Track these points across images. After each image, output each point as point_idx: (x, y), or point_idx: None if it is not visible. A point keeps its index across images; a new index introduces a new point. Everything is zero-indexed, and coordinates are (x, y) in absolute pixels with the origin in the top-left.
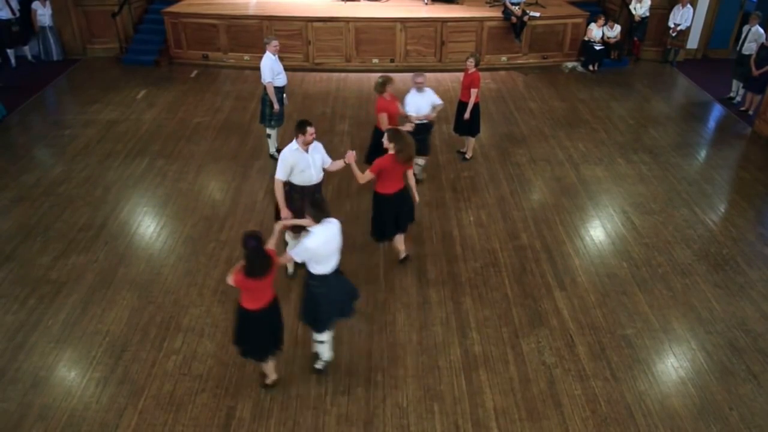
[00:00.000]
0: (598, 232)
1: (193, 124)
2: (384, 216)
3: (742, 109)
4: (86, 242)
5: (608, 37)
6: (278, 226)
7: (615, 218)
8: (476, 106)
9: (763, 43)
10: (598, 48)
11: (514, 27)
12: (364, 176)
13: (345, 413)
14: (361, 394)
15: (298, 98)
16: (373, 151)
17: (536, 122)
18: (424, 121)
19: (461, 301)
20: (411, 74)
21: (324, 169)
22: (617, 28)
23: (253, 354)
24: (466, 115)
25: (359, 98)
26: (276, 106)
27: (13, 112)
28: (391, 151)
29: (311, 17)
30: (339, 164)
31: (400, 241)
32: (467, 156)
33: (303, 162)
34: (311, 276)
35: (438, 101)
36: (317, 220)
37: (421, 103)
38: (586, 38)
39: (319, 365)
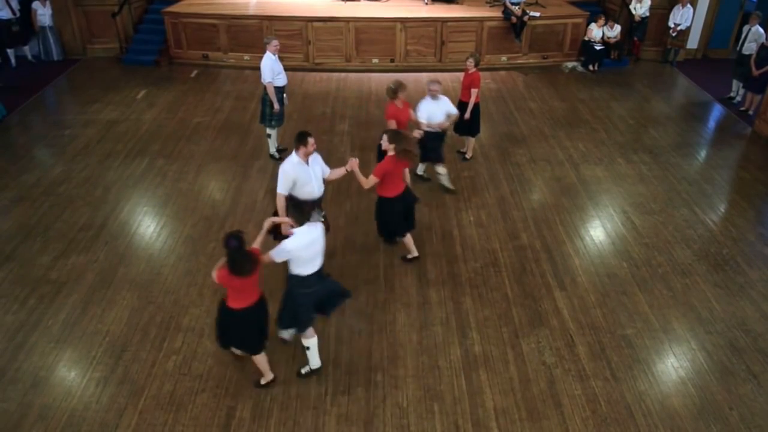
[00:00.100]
0: (598, 232)
1: (193, 124)
2: (395, 218)
3: (742, 109)
4: (86, 242)
5: (608, 37)
6: (267, 224)
7: (615, 218)
8: (476, 106)
9: (763, 43)
10: (598, 48)
11: (514, 27)
12: (369, 181)
13: (345, 413)
14: (361, 394)
15: (298, 98)
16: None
17: (536, 122)
18: (437, 130)
19: (461, 301)
20: (412, 74)
21: (324, 179)
22: (617, 28)
23: (239, 347)
24: (467, 115)
25: (359, 98)
26: (276, 106)
27: (13, 112)
28: (391, 153)
29: (311, 17)
30: (340, 172)
31: (410, 240)
32: (467, 156)
33: (305, 175)
34: (291, 276)
35: (453, 110)
36: (299, 222)
37: (434, 110)
38: (586, 38)
39: (304, 370)
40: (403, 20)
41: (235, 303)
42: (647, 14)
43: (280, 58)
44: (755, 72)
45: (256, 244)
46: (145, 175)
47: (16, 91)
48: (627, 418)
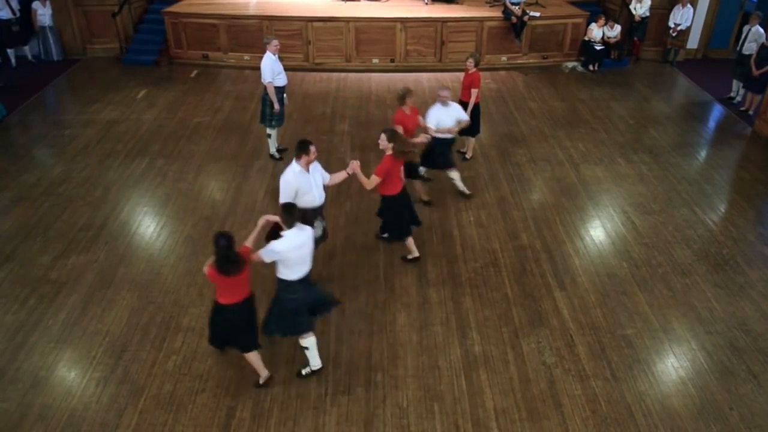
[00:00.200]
0: (598, 232)
1: (193, 124)
2: (403, 215)
3: (742, 109)
4: (86, 242)
5: (608, 37)
6: (262, 221)
7: (615, 218)
8: (476, 106)
9: (763, 43)
10: (598, 48)
11: (514, 27)
12: (371, 181)
13: (345, 413)
14: (361, 394)
15: (298, 98)
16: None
17: (536, 122)
18: (446, 136)
19: (461, 301)
20: (412, 74)
21: (325, 186)
22: (617, 28)
23: (228, 345)
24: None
25: (359, 98)
26: (276, 106)
27: (13, 112)
28: (389, 152)
29: (311, 17)
30: (341, 176)
31: (411, 240)
32: (467, 156)
33: (306, 184)
34: (280, 281)
35: (464, 116)
36: (288, 224)
37: (444, 117)
38: (586, 38)
39: (305, 371)
40: (403, 20)
41: (224, 299)
42: (647, 14)
43: (280, 58)
44: (755, 72)
45: (249, 242)
46: (145, 175)
47: (16, 91)
48: (627, 418)
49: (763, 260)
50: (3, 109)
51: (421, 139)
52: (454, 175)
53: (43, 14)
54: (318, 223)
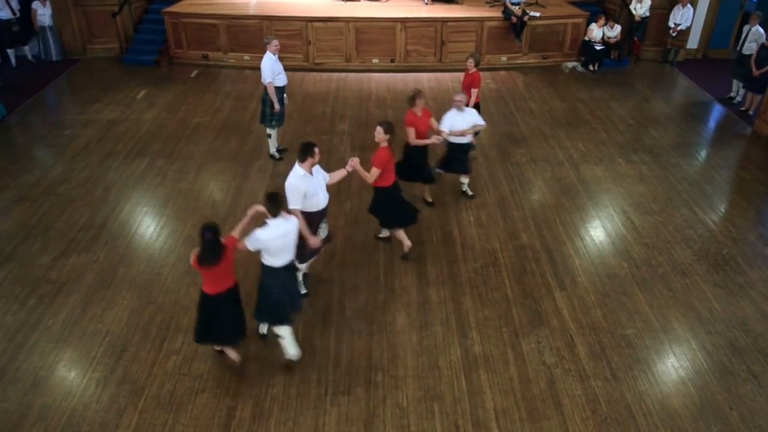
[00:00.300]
0: (598, 232)
1: (193, 124)
2: (400, 205)
3: (742, 109)
4: (86, 242)
5: (608, 37)
6: (251, 211)
7: (615, 218)
8: (476, 106)
9: (763, 43)
10: (598, 48)
11: (514, 27)
12: (372, 174)
13: (345, 413)
14: (361, 394)
15: (298, 98)
16: (406, 168)
17: (536, 122)
18: (463, 140)
19: (461, 301)
20: (412, 75)
21: (326, 185)
22: (617, 28)
23: (212, 339)
24: None
25: (359, 98)
26: (277, 106)
27: (14, 112)
28: (384, 144)
29: (311, 17)
30: (341, 174)
31: (404, 235)
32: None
33: (312, 187)
34: (263, 267)
35: (479, 121)
36: (272, 213)
37: (458, 122)
38: (586, 38)
39: (284, 359)
40: (403, 20)
41: (208, 288)
42: (647, 14)
43: (280, 58)
44: (755, 72)
45: (235, 232)
46: (145, 175)
47: (16, 91)
48: (627, 418)
49: (763, 260)
50: (3, 109)
51: (433, 140)
52: (465, 179)
53: (43, 14)
54: (323, 226)
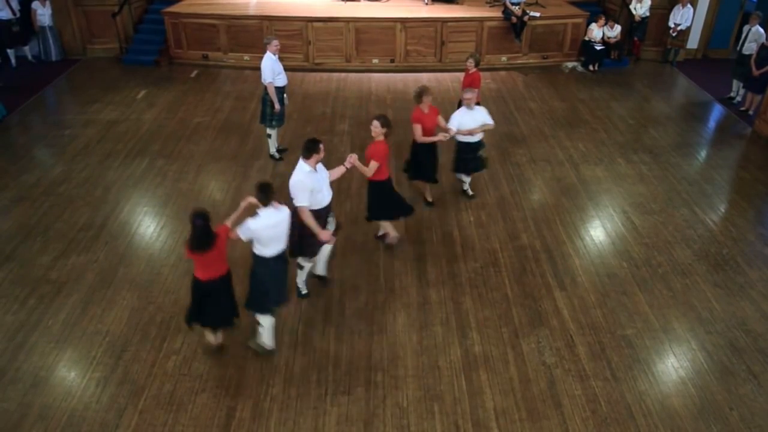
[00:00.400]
0: (598, 232)
1: (194, 124)
2: (391, 198)
3: (742, 109)
4: (86, 242)
5: (608, 37)
6: (244, 203)
7: (615, 218)
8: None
9: (763, 43)
10: (598, 48)
11: (514, 27)
12: (371, 168)
13: (345, 413)
14: (361, 394)
15: (298, 98)
16: (414, 167)
17: (536, 122)
18: (471, 139)
19: (461, 301)
20: (412, 75)
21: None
22: (617, 28)
23: (201, 321)
24: None
25: (359, 98)
26: (277, 106)
27: (14, 112)
28: (381, 138)
29: (311, 17)
30: (340, 171)
31: (390, 226)
32: None
33: (318, 183)
34: (254, 256)
35: (489, 120)
36: (263, 203)
37: (467, 120)
38: (586, 38)
39: (252, 343)
40: (403, 20)
41: (200, 274)
42: (647, 14)
43: (281, 58)
44: (755, 72)
45: (228, 222)
46: (145, 175)
47: (16, 91)
48: (627, 418)
49: (763, 260)
50: (3, 109)
51: (440, 138)
52: (466, 178)
53: (43, 14)
54: (331, 219)
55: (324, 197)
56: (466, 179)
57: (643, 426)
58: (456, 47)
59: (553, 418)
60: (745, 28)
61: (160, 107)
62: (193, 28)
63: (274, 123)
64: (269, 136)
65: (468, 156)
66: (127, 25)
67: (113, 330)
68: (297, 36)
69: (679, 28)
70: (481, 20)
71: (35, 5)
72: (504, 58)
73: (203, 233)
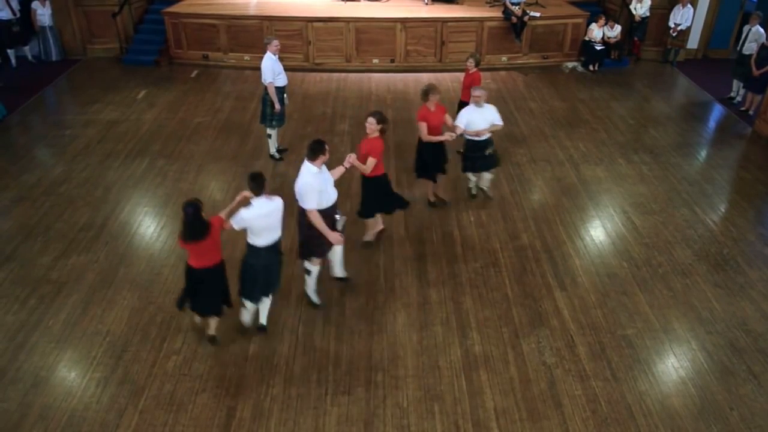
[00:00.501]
0: (598, 232)
1: (194, 124)
2: (385, 194)
3: (743, 109)
4: (87, 242)
5: (608, 37)
6: (239, 197)
7: (615, 218)
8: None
9: (763, 43)
10: (598, 48)
11: (514, 27)
12: (369, 164)
13: (345, 413)
14: (361, 394)
15: (298, 98)
16: (420, 166)
17: (536, 122)
18: (477, 138)
19: (461, 301)
20: (412, 75)
21: None
22: (617, 28)
23: (191, 305)
24: None
25: (359, 98)
26: (277, 107)
27: (14, 112)
28: (376, 134)
29: (311, 17)
30: (340, 171)
31: (379, 222)
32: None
33: (324, 183)
34: (247, 245)
35: (498, 120)
36: (255, 193)
37: (475, 119)
38: (586, 38)
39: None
40: (403, 20)
41: (193, 261)
42: (647, 14)
43: (281, 59)
44: (755, 72)
45: (222, 213)
46: (145, 175)
47: (16, 91)
48: (627, 418)
49: (763, 260)
50: (3, 109)
51: (446, 137)
52: (473, 177)
53: (43, 14)
54: (339, 218)
55: (330, 196)
56: (473, 178)
57: (644, 426)
58: (456, 47)
59: (554, 418)
60: (745, 28)
61: (161, 107)
62: (193, 28)
63: (274, 123)
64: (269, 136)
65: (476, 155)
66: (128, 25)
67: (113, 330)
68: (297, 36)
69: (679, 28)
70: (481, 20)
71: (35, 5)
72: (504, 58)
73: (195, 221)
